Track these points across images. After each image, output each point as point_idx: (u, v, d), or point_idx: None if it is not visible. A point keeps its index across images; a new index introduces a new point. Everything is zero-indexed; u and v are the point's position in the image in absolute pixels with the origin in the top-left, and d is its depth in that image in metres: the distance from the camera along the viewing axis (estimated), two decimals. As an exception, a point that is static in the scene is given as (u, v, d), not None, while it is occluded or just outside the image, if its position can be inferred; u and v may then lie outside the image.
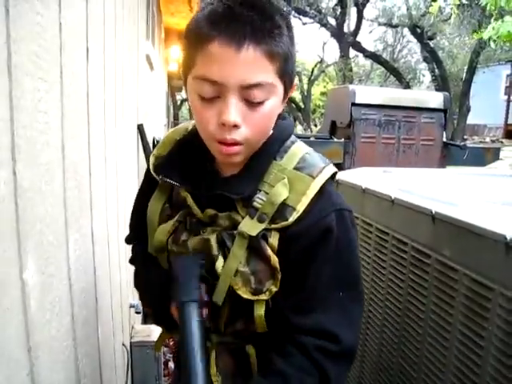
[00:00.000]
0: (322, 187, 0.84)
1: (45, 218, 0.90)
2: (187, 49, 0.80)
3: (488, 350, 0.97)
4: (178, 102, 25.79)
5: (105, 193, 1.55)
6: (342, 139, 4.25)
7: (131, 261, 1.13)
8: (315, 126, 19.62)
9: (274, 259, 0.84)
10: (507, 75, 17.22)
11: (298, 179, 0.84)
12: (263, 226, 0.83)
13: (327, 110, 4.61)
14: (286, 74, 0.81)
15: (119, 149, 1.93)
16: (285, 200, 0.83)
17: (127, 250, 2.16)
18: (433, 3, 5.46)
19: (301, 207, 0.83)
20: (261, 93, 0.77)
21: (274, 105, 0.81)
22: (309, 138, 4.52)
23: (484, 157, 4.66)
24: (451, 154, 4.54)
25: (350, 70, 15.84)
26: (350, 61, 16.22)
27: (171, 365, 2.77)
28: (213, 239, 0.86)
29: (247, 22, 0.74)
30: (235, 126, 0.78)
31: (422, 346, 1.22)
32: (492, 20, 5.09)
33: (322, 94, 24.02)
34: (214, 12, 0.76)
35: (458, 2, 5.44)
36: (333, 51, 21.06)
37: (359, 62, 23.29)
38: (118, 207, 1.88)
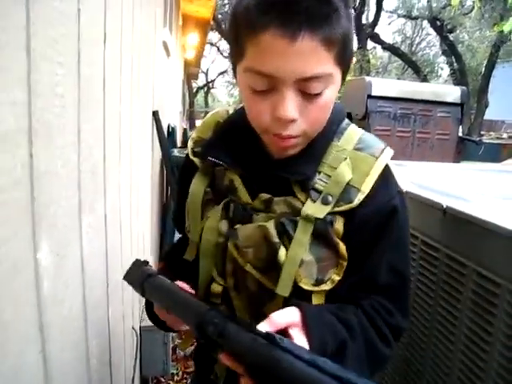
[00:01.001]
0: (385, 170, 0.82)
1: (59, 200, 0.92)
2: (236, 37, 0.74)
3: (494, 346, 0.97)
4: (194, 90, 25.81)
5: (118, 177, 1.57)
6: (357, 131, 4.23)
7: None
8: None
9: (342, 246, 0.80)
10: (528, 71, 16.93)
11: (361, 159, 0.81)
12: (329, 208, 0.78)
13: (343, 102, 4.58)
14: (345, 59, 0.75)
15: (134, 134, 1.94)
16: (349, 181, 0.79)
17: (139, 236, 2.19)
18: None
19: (366, 188, 0.79)
20: (318, 84, 0.71)
21: (332, 94, 0.75)
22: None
23: (499, 153, 4.62)
24: (466, 149, 4.51)
25: (368, 61, 15.71)
26: (367, 52, 16.06)
27: (180, 351, 2.80)
28: (271, 226, 0.79)
29: (302, 7, 0.66)
30: (292, 121, 0.73)
31: (428, 340, 1.23)
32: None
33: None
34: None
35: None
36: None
37: (377, 53, 23.07)
38: (131, 192, 1.90)
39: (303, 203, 0.79)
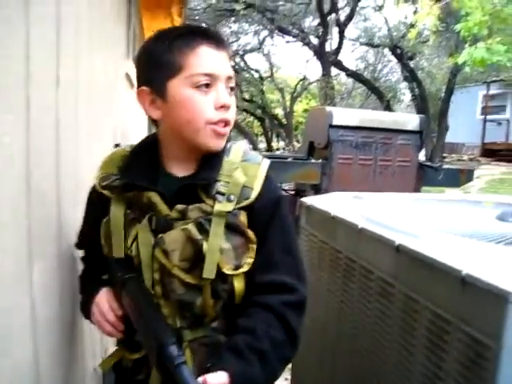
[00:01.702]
0: (267, 173, 1.06)
1: (6, 249, 0.90)
2: (169, 59, 0.97)
3: (447, 382, 0.98)
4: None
5: (74, 220, 1.54)
6: (320, 160, 4.29)
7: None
8: (297, 141, 19.74)
9: (249, 232, 1.01)
10: (483, 96, 17.57)
11: (249, 167, 1.05)
12: (233, 204, 1.00)
13: (306, 131, 4.66)
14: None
15: (93, 175, 1.91)
16: (244, 183, 1.02)
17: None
18: (411, 29, 5.59)
19: (257, 186, 1.03)
20: (233, 83, 1.03)
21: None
22: (286, 158, 4.56)
23: (458, 178, 4.75)
24: (427, 174, 4.61)
25: (332, 88, 16.01)
26: (331, 79, 16.39)
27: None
28: (192, 227, 0.98)
29: (216, 34, 1.02)
30: (229, 107, 1.00)
31: (387, 375, 1.24)
32: (467, 45, 5.23)
33: (305, 110, 24.19)
34: (186, 29, 1.03)
35: (435, 29, 5.57)
36: (316, 69, 21.30)
37: (341, 79, 23.56)
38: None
39: (211, 206, 1.00)
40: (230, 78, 1.01)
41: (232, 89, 1.03)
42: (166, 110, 1.01)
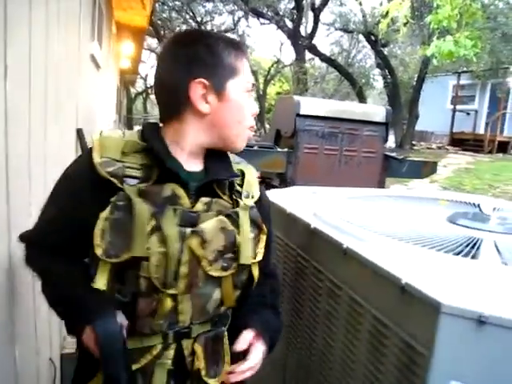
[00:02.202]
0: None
1: None
2: (230, 61, 1.01)
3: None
4: (133, 96, 25.34)
5: (29, 215, 1.51)
6: (286, 149, 4.30)
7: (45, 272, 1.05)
8: (269, 124, 19.69)
9: (263, 224, 1.11)
10: (453, 85, 17.85)
11: (244, 168, 1.15)
12: (251, 200, 1.10)
13: (273, 119, 4.67)
14: None
15: (49, 165, 1.88)
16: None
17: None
18: (382, 20, 5.61)
19: (257, 185, 1.15)
20: None
21: None
22: (252, 147, 4.56)
23: (422, 169, 4.84)
24: (391, 166, 4.68)
25: (305, 73, 16.01)
26: (304, 64, 16.36)
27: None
28: (224, 219, 1.03)
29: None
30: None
31: (333, 373, 1.27)
32: (434, 38, 5.29)
33: (278, 93, 24.17)
34: (227, 39, 1.06)
35: (406, 21, 5.60)
36: (290, 52, 21.24)
37: (315, 64, 23.56)
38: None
39: (228, 202, 1.06)
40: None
41: None
42: (217, 107, 1.02)
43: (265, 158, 4.13)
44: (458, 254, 1.16)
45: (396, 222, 1.42)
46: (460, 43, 4.85)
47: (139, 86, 27.53)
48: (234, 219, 1.04)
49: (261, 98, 20.20)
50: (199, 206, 1.00)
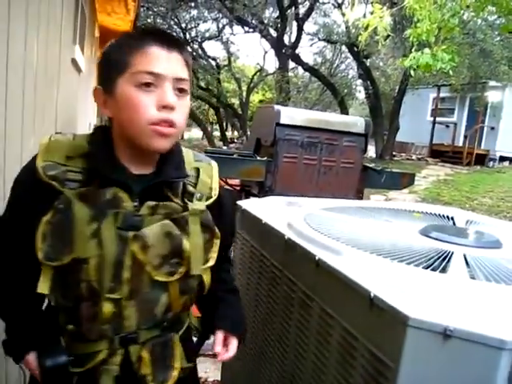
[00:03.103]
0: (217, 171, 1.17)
1: None
2: (117, 55, 0.96)
3: (354, 396, 1.02)
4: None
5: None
6: (265, 158, 4.32)
7: None
8: (250, 131, 19.73)
9: (216, 228, 1.10)
10: (433, 98, 18.14)
11: (204, 167, 1.14)
12: (203, 203, 1.08)
13: (254, 127, 4.69)
14: (190, 91, 1.05)
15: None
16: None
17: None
18: (361, 33, 5.70)
19: (215, 185, 1.13)
20: (186, 85, 1.00)
21: (189, 102, 1.04)
22: (232, 155, 4.57)
23: (400, 181, 4.91)
24: (370, 177, 4.73)
25: (287, 82, 16.11)
26: (286, 73, 16.47)
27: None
28: (170, 223, 1.01)
29: (170, 37, 1.00)
30: (172, 109, 0.96)
31: (300, 379, 1.27)
32: (413, 50, 5.39)
33: (261, 101, 24.27)
34: (140, 30, 1.01)
35: (385, 34, 5.70)
36: (273, 61, 21.39)
37: (299, 73, 23.73)
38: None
39: (179, 205, 1.04)
40: (180, 79, 0.98)
41: (181, 90, 0.99)
42: (114, 109, 0.99)
43: (244, 167, 4.14)
44: (429, 267, 1.18)
45: (369, 235, 1.43)
46: (437, 56, 4.97)
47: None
48: (181, 224, 1.02)
49: (243, 105, 20.25)
50: (144, 210, 1.00)
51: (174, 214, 1.02)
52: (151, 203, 1.00)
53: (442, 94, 17.67)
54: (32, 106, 2.01)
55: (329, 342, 1.14)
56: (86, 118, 6.64)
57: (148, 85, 0.94)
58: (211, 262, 1.09)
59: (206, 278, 1.10)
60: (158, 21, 16.92)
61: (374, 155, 15.72)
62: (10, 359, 1.74)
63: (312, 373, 1.22)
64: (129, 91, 0.95)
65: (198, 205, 1.06)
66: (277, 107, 4.35)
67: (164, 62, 0.96)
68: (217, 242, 1.10)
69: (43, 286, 0.95)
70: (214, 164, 1.18)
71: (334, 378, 1.11)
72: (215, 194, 1.12)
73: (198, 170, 1.12)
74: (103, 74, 1.01)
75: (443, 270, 1.17)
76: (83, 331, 1.00)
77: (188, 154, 1.13)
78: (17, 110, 1.72)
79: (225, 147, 14.47)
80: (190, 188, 1.08)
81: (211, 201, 1.10)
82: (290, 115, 4.36)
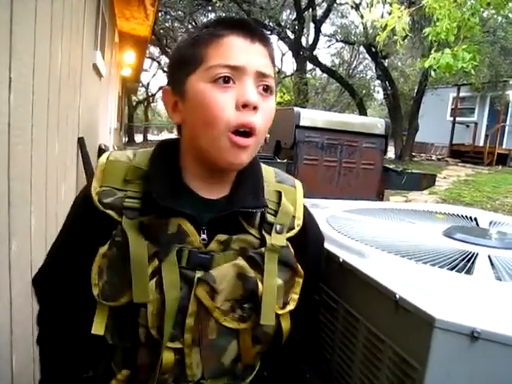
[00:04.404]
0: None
1: None
2: (190, 50, 0.83)
3: (379, 397, 1.02)
4: (134, 104, 25.45)
5: (29, 224, 1.53)
6: (285, 160, 4.34)
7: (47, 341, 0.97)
8: (269, 134, 19.75)
9: (298, 265, 0.91)
10: (453, 98, 17.94)
11: (287, 191, 0.94)
12: (284, 237, 0.89)
13: (273, 130, 4.71)
14: (274, 86, 0.88)
15: (51, 174, 1.90)
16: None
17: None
18: (380, 33, 5.68)
19: (299, 214, 0.94)
20: (271, 83, 0.84)
21: (274, 105, 0.87)
22: (252, 157, 4.57)
23: (420, 182, 4.87)
24: (390, 178, 4.71)
25: (305, 84, 16.08)
26: (304, 75, 16.46)
27: None
28: (243, 262, 0.84)
29: (255, 28, 0.85)
30: (255, 108, 0.81)
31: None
32: (433, 51, 5.35)
33: (279, 103, 24.25)
34: (218, 19, 0.86)
35: (404, 34, 5.67)
36: (292, 62, 21.39)
37: (317, 74, 23.69)
38: (46, 233, 1.85)
39: (256, 237, 0.87)
40: (263, 74, 0.82)
41: (266, 89, 0.83)
42: (184, 113, 0.85)
43: (264, 169, 4.13)
44: (453, 268, 1.17)
45: (392, 236, 1.43)
46: (458, 56, 4.92)
47: (140, 94, 27.63)
48: (256, 262, 0.85)
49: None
50: (214, 245, 0.84)
51: (250, 250, 0.86)
52: (223, 237, 0.85)
53: (461, 94, 17.46)
54: (56, 112, 2.05)
55: (354, 343, 1.14)
56: (107, 123, 6.73)
57: (226, 80, 0.80)
58: (291, 306, 0.91)
59: (285, 325, 0.90)
60: (176, 24, 17.07)
61: (393, 156, 15.60)
62: (37, 362, 1.78)
63: (337, 374, 1.23)
64: (203, 89, 0.80)
65: (278, 239, 0.87)
66: (296, 109, 4.35)
67: (244, 53, 0.81)
68: (299, 282, 0.92)
69: (98, 327, 0.82)
70: (299, 185, 0.98)
71: (360, 380, 1.11)
72: (299, 224, 0.93)
73: (279, 194, 0.93)
74: (173, 71, 0.88)
75: (468, 272, 1.16)
76: (140, 378, 0.87)
77: (268, 174, 0.95)
78: (42, 115, 1.76)
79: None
80: (270, 217, 0.89)
81: (293, 232, 0.92)
82: (310, 117, 4.36)
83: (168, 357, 0.83)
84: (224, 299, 0.84)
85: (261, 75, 0.82)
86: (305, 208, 0.97)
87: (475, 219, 1.86)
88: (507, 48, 13.76)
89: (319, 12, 15.93)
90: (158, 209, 0.81)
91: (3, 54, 1.22)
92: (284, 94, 24.35)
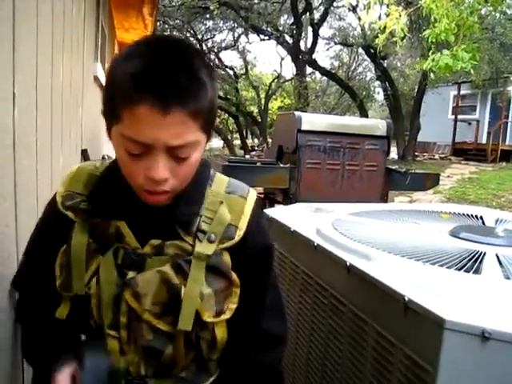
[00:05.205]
0: (254, 208, 0.96)
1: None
2: (111, 100, 0.81)
3: (392, 400, 1.02)
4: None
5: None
6: (288, 165, 4.34)
7: (21, 318, 1.07)
8: (272, 139, 19.79)
9: (233, 274, 0.92)
10: (454, 96, 17.91)
11: (234, 201, 0.94)
12: (214, 245, 0.90)
13: (275, 135, 4.72)
14: (210, 123, 0.86)
15: (55, 183, 1.91)
16: (229, 221, 0.92)
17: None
18: (379, 35, 5.68)
19: (243, 225, 0.93)
20: (186, 150, 0.81)
21: (198, 155, 0.86)
22: (255, 163, 4.60)
23: (424, 182, 4.86)
24: (394, 179, 4.70)
25: (305, 88, 16.10)
26: (304, 79, 16.49)
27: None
28: (168, 269, 0.87)
29: (173, 85, 0.76)
30: (164, 180, 0.82)
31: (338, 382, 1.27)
32: (430, 53, 5.34)
33: (280, 108, 24.31)
34: (139, 71, 0.76)
35: (402, 35, 5.67)
36: (291, 66, 21.46)
37: (316, 77, 23.72)
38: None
39: (191, 244, 0.89)
40: (174, 147, 0.79)
41: (180, 159, 0.82)
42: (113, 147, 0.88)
43: (268, 175, 4.16)
44: (461, 268, 1.17)
45: (398, 238, 1.43)
46: (457, 56, 4.91)
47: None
48: (182, 269, 0.87)
49: (262, 113, 20.32)
50: (147, 249, 0.89)
51: (185, 256, 0.89)
52: (156, 241, 0.89)
53: (462, 92, 17.43)
54: (59, 125, 2.06)
55: (364, 347, 1.15)
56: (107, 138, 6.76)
57: (136, 153, 0.80)
58: (227, 315, 0.91)
59: (220, 334, 0.92)
60: (175, 33, 17.15)
61: (395, 156, 15.58)
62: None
63: (347, 378, 1.23)
64: (119, 151, 0.83)
65: (206, 247, 0.89)
66: (297, 114, 4.37)
67: (155, 128, 0.77)
68: (236, 291, 0.92)
69: (61, 312, 0.93)
70: (251, 197, 0.97)
71: (369, 382, 1.11)
72: (239, 234, 0.92)
73: (219, 203, 0.94)
74: (104, 100, 0.86)
75: (476, 271, 1.16)
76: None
77: (219, 184, 0.97)
78: (46, 129, 1.77)
79: (247, 156, 14.51)
80: (204, 226, 0.91)
81: (232, 242, 0.92)
82: (311, 121, 4.38)
83: (112, 344, 0.91)
84: (151, 302, 0.87)
85: (173, 148, 0.80)
86: (253, 219, 0.95)
87: (481, 218, 1.86)
88: (506, 44, 13.75)
89: (317, 15, 15.96)
90: (102, 213, 0.90)
91: (7, 71, 1.23)
92: (284, 98, 24.43)
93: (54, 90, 1.89)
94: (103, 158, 4.25)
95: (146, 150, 0.79)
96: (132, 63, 0.77)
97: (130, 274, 0.88)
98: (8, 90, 1.25)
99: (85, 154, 3.02)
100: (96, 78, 3.95)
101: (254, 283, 0.96)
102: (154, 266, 0.88)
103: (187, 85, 0.77)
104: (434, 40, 5.14)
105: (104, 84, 0.87)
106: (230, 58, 21.52)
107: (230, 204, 0.94)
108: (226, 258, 0.92)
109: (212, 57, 18.13)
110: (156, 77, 0.76)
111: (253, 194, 0.99)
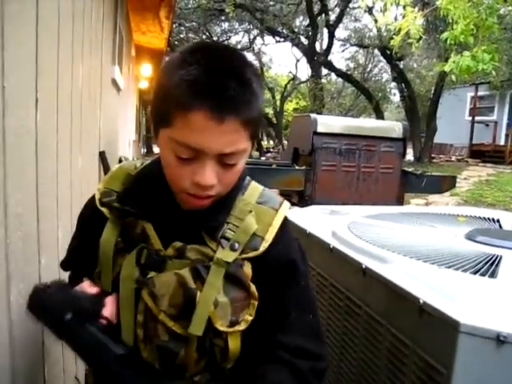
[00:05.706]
0: (284, 222, 0.94)
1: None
2: (163, 104, 0.82)
3: (406, 402, 1.03)
4: (151, 115, 25.66)
5: (56, 238, 1.57)
6: (304, 167, 4.35)
7: None
8: (287, 141, 19.79)
9: (252, 286, 0.90)
10: (471, 97, 17.73)
11: (264, 212, 0.93)
12: (236, 254, 0.88)
13: (290, 137, 4.72)
14: (257, 132, 0.89)
15: (75, 188, 1.95)
16: (254, 231, 0.90)
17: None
18: (394, 36, 5.65)
19: (269, 236, 0.91)
20: (235, 157, 0.83)
21: (244, 162, 0.88)
22: (271, 165, 4.61)
23: (441, 184, 4.83)
24: (410, 181, 4.68)
25: (321, 89, 16.08)
26: (320, 81, 16.46)
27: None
28: (186, 273, 0.87)
29: (229, 93, 0.77)
30: (205, 188, 0.83)
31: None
32: (452, 54, 5.29)
33: (295, 109, 24.31)
34: (196, 79, 0.77)
35: (418, 37, 5.63)
36: (306, 68, 21.43)
37: (332, 79, 23.68)
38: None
39: (214, 250, 0.88)
40: (226, 154, 0.81)
41: (228, 165, 0.84)
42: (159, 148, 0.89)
43: (284, 176, 4.17)
44: (477, 272, 1.17)
45: (414, 241, 1.44)
46: (478, 57, 4.86)
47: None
48: (200, 274, 0.87)
49: (278, 114, 20.34)
50: (169, 251, 0.90)
51: (205, 261, 0.88)
52: (177, 244, 0.90)
53: (480, 93, 17.25)
54: (78, 128, 2.10)
55: (379, 349, 1.15)
56: (126, 135, 6.83)
57: (186, 157, 0.81)
58: (242, 326, 0.89)
59: (233, 344, 0.90)
60: (191, 35, 17.26)
61: (412, 158, 15.47)
62: (67, 373, 1.82)
63: (362, 379, 1.24)
64: (167, 154, 0.84)
65: (226, 254, 0.88)
66: (313, 116, 4.37)
67: (208, 135, 0.78)
68: (254, 304, 0.90)
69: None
70: (283, 210, 0.96)
71: (385, 385, 1.12)
72: (265, 246, 0.90)
73: (246, 213, 0.93)
74: (155, 104, 0.87)
75: (492, 275, 1.16)
76: None
77: (253, 193, 0.97)
78: (66, 132, 1.80)
79: (263, 158, 14.52)
80: (229, 233, 0.90)
81: (255, 253, 0.90)
82: (327, 123, 4.37)
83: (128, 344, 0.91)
84: (168, 304, 0.87)
85: (223, 155, 0.81)
86: (282, 232, 0.93)
87: (498, 221, 1.85)
88: (525, 45, 13.58)
89: (332, 17, 15.94)
90: (132, 213, 0.92)
91: (30, 77, 1.27)
92: (300, 99, 24.42)
93: (73, 94, 1.93)
94: (120, 160, 4.30)
95: (197, 155, 0.80)
96: (188, 70, 0.78)
97: (151, 275, 0.89)
98: (31, 94, 1.28)
99: (102, 156, 3.06)
100: (113, 81, 4.00)
101: (274, 297, 0.92)
102: (173, 268, 0.88)
103: (241, 94, 0.79)
104: (452, 42, 5.09)
105: (154, 88, 0.87)
106: (246, 59, 21.55)
107: (259, 214, 0.93)
108: (247, 268, 0.90)
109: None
110: (212, 85, 0.77)
111: (285, 207, 0.96)
